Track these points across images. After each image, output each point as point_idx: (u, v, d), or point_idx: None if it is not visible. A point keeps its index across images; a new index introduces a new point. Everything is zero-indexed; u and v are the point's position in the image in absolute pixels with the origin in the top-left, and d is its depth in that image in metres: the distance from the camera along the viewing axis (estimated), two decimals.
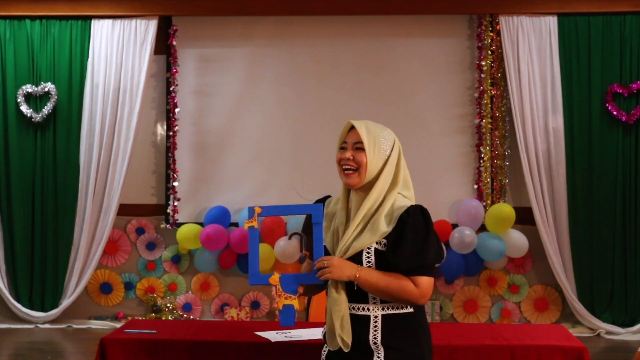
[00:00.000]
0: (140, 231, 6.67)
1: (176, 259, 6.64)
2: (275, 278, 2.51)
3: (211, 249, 6.34)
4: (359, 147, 2.51)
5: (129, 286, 6.65)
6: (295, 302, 2.49)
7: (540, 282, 6.48)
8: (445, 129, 6.48)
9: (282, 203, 6.47)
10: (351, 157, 2.52)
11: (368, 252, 2.48)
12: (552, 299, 6.46)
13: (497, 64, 6.40)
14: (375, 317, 2.48)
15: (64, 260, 6.42)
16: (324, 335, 2.58)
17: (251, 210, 2.56)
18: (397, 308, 2.49)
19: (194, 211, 6.59)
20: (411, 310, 2.50)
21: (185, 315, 6.53)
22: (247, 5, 6.40)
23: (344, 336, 2.46)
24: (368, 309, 2.49)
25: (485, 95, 6.40)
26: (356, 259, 2.48)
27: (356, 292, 2.49)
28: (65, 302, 6.40)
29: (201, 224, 6.43)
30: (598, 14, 6.25)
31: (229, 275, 6.61)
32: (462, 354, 3.09)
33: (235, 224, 6.47)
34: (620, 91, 6.20)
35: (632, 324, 6.16)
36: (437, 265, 2.50)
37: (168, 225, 6.54)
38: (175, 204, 6.53)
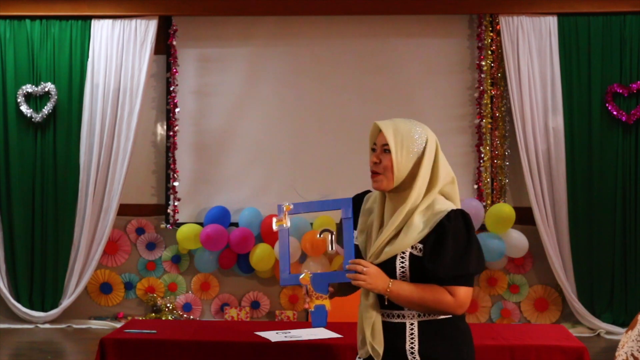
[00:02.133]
0: (140, 231, 6.67)
1: (176, 259, 6.64)
2: (306, 278, 2.41)
3: (211, 249, 6.34)
4: (387, 149, 2.39)
5: (129, 286, 6.65)
6: (327, 302, 2.42)
7: (540, 282, 6.48)
8: (445, 129, 6.47)
9: (282, 203, 6.51)
10: (378, 161, 2.40)
11: (402, 257, 2.35)
12: (552, 299, 6.46)
13: (497, 64, 6.40)
14: (412, 324, 2.37)
15: (64, 260, 6.42)
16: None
17: (281, 208, 2.47)
18: (434, 314, 2.37)
19: (194, 211, 6.59)
20: (449, 315, 2.37)
21: (185, 315, 6.53)
22: (247, 5, 6.40)
23: (375, 344, 2.36)
24: (403, 316, 2.38)
25: (485, 95, 6.40)
26: (389, 264, 2.36)
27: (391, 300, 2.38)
28: (65, 302, 6.40)
29: (201, 224, 6.43)
30: (598, 14, 6.25)
31: (229, 275, 6.60)
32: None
33: (235, 224, 6.46)
34: (620, 91, 6.19)
35: None
36: (478, 275, 2.42)
37: (168, 225, 6.54)
38: (176, 204, 6.53)
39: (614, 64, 6.23)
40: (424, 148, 2.40)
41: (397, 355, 2.37)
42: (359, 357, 2.48)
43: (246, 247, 6.33)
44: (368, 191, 2.58)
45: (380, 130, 2.42)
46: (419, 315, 2.37)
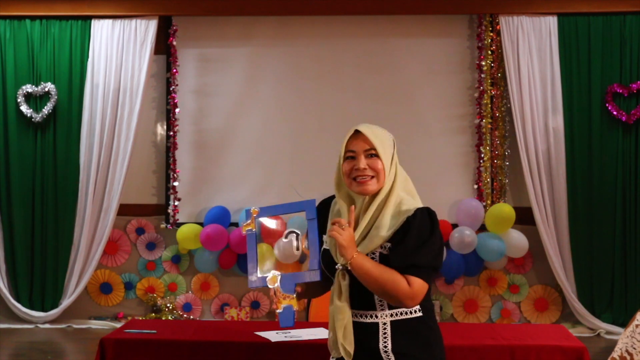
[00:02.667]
0: (140, 231, 6.67)
1: (176, 259, 6.64)
2: (273, 279, 2.46)
3: (211, 249, 6.34)
4: (373, 153, 2.42)
5: (129, 286, 6.65)
6: (293, 302, 2.43)
7: (540, 282, 6.48)
8: (445, 129, 6.48)
9: (282, 203, 6.51)
10: (366, 167, 2.41)
11: (373, 257, 2.40)
12: (552, 299, 6.46)
13: (497, 64, 6.41)
14: (384, 324, 2.41)
15: (64, 260, 6.42)
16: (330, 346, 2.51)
17: (248, 212, 2.52)
18: (406, 313, 2.42)
19: (194, 211, 6.59)
20: (420, 314, 2.43)
21: (185, 315, 6.53)
22: (247, 5, 6.41)
23: (346, 345, 2.39)
24: (376, 316, 2.42)
25: (485, 95, 6.40)
26: None
27: (362, 299, 2.42)
28: (65, 302, 6.40)
29: (201, 224, 6.43)
30: (598, 14, 6.25)
31: (229, 275, 6.61)
32: (462, 354, 3.09)
33: (235, 224, 6.47)
34: (620, 91, 6.20)
35: None
36: (434, 273, 2.41)
37: (168, 225, 6.54)
38: (176, 203, 6.53)
39: (614, 64, 6.23)
40: (393, 149, 2.49)
41: (371, 354, 2.41)
42: (332, 358, 2.51)
43: (246, 247, 6.31)
44: (333, 196, 2.60)
45: (356, 137, 2.45)
46: (391, 315, 2.42)
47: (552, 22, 6.27)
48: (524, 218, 6.32)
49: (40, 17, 6.46)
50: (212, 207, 6.47)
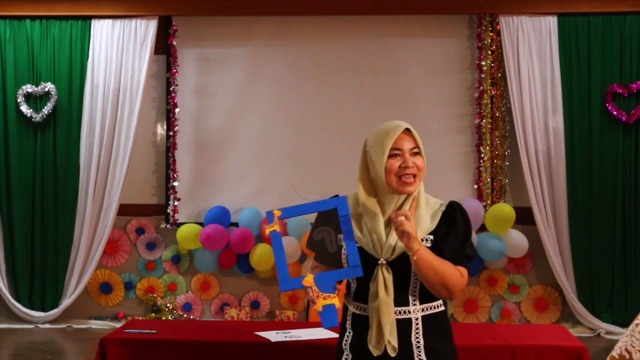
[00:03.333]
0: (140, 231, 6.67)
1: (176, 259, 6.64)
2: (309, 279, 2.33)
3: (211, 249, 6.34)
4: (416, 152, 2.43)
5: (129, 286, 6.65)
6: (335, 301, 2.31)
7: (540, 282, 6.48)
8: (445, 129, 6.48)
9: (282, 203, 6.46)
10: (413, 165, 2.41)
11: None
12: (552, 299, 6.46)
13: (497, 64, 6.40)
14: (416, 319, 2.43)
15: (64, 260, 6.42)
16: (350, 346, 2.49)
17: (270, 214, 2.41)
18: (434, 307, 2.46)
19: (194, 211, 6.59)
20: (443, 308, 2.49)
21: (185, 315, 6.53)
22: (247, 5, 6.40)
23: (392, 340, 2.39)
24: (409, 312, 2.44)
25: (485, 95, 6.40)
26: (404, 257, 2.39)
27: (397, 296, 2.42)
28: (65, 302, 6.40)
29: (201, 224, 6.43)
30: (598, 14, 6.25)
31: (229, 275, 6.61)
32: (462, 354, 3.07)
33: (235, 224, 6.46)
34: (620, 91, 6.19)
35: None
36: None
37: (168, 225, 6.54)
38: (176, 204, 6.53)
39: (614, 64, 6.23)
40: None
41: (404, 349, 2.41)
42: (348, 356, 2.49)
43: (246, 247, 6.33)
44: (336, 195, 2.54)
45: (403, 134, 2.43)
46: (422, 310, 2.44)
47: (552, 22, 6.26)
48: (524, 218, 6.32)
49: (40, 17, 6.46)
50: (212, 207, 6.47)
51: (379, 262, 2.41)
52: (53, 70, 6.45)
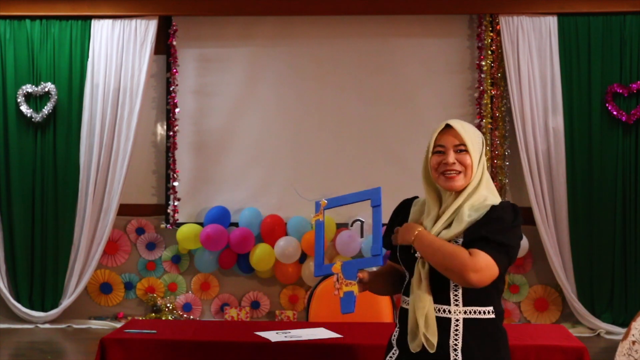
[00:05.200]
0: (140, 231, 6.67)
1: (176, 259, 6.64)
2: (337, 267, 2.45)
3: (211, 249, 6.34)
4: (462, 149, 2.42)
5: (129, 286, 6.65)
6: (354, 288, 2.41)
7: (540, 282, 6.48)
8: None
9: (282, 203, 6.53)
10: (455, 162, 2.41)
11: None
12: (552, 299, 6.46)
13: (497, 64, 6.40)
14: (457, 320, 2.37)
15: (64, 260, 6.42)
16: (396, 340, 2.49)
17: (317, 204, 2.55)
18: (480, 313, 2.38)
19: (194, 211, 6.59)
20: (493, 316, 2.40)
21: (185, 315, 6.53)
22: (247, 5, 6.40)
23: (429, 335, 2.35)
24: (449, 312, 2.38)
25: (485, 95, 6.40)
26: None
27: (437, 293, 2.39)
28: (65, 302, 6.40)
29: (201, 224, 6.43)
30: (598, 14, 6.25)
31: (229, 275, 6.61)
32: None
33: (235, 224, 6.46)
34: (620, 91, 6.19)
35: None
36: (506, 257, 2.35)
37: (168, 225, 6.54)
38: (175, 204, 6.53)
39: (614, 64, 6.23)
40: (482, 147, 2.48)
41: (440, 350, 2.36)
42: (394, 354, 2.48)
43: (246, 247, 6.33)
44: (416, 197, 2.63)
45: (446, 131, 2.45)
46: (464, 312, 2.38)
47: (552, 22, 6.26)
48: (524, 218, 6.20)
49: (40, 17, 6.46)
50: (212, 207, 6.47)
51: (416, 254, 2.42)
52: (53, 70, 6.45)
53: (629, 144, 6.22)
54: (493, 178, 6.41)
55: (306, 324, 3.59)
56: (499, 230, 2.33)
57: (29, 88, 6.41)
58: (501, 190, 6.41)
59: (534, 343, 3.12)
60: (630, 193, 6.21)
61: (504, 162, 6.42)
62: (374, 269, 2.57)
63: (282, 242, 6.26)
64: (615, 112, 6.18)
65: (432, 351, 2.35)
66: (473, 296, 2.37)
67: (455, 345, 2.36)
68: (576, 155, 6.23)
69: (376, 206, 2.44)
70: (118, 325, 6.17)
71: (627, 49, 6.22)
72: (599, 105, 6.22)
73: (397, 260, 2.53)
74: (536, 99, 6.24)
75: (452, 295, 2.39)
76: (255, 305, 6.54)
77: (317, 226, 2.55)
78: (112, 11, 6.43)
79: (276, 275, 6.45)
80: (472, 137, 2.44)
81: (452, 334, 2.36)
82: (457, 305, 2.38)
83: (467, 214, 2.39)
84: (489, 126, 6.40)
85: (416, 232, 2.38)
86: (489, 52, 6.40)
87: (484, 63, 6.40)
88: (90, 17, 6.43)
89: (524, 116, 6.23)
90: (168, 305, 6.50)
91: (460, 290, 2.38)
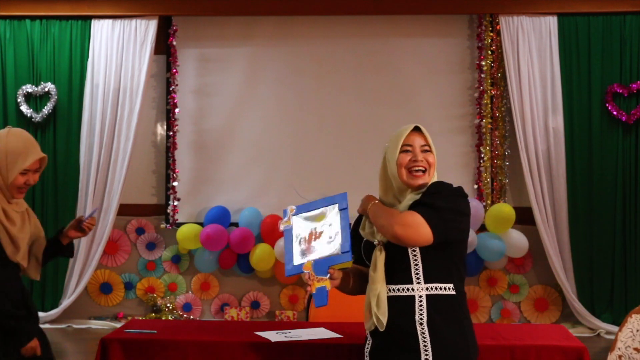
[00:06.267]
0: (140, 231, 6.67)
1: (176, 259, 6.64)
2: (308, 265, 2.65)
3: (211, 249, 6.34)
4: (427, 149, 2.69)
5: (129, 286, 6.65)
6: (326, 283, 2.60)
7: (540, 282, 6.48)
8: (445, 129, 6.47)
9: (282, 203, 6.48)
10: (423, 159, 2.66)
11: None
12: (552, 299, 6.46)
13: (497, 64, 6.40)
14: (420, 297, 2.57)
15: (64, 260, 6.42)
16: (370, 332, 2.67)
17: (285, 211, 2.78)
18: (440, 289, 2.58)
19: (194, 211, 6.59)
20: (453, 292, 2.59)
21: (185, 315, 6.53)
22: (247, 5, 6.41)
23: (380, 315, 2.55)
24: (412, 289, 2.58)
25: (485, 95, 6.40)
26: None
27: (399, 274, 2.59)
28: (65, 302, 6.40)
29: (201, 224, 6.43)
30: (598, 14, 6.25)
31: (229, 275, 6.61)
32: None
33: (235, 224, 6.46)
34: (620, 91, 6.20)
35: None
36: (440, 220, 2.53)
37: (168, 225, 6.54)
38: (175, 204, 6.53)
39: (614, 64, 6.23)
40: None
41: (406, 325, 2.56)
42: (368, 343, 2.67)
43: (246, 247, 6.33)
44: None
45: (413, 132, 2.69)
46: (426, 289, 2.58)
47: (552, 22, 6.27)
48: (524, 218, 6.32)
49: (40, 17, 6.46)
50: (212, 207, 6.47)
51: (374, 242, 2.64)
52: (53, 70, 6.45)
53: (629, 144, 6.22)
54: (493, 178, 6.42)
55: (306, 324, 3.59)
56: (434, 196, 2.58)
57: (29, 88, 6.41)
58: (501, 190, 6.41)
59: (534, 343, 3.12)
60: (630, 193, 6.21)
61: (504, 162, 6.42)
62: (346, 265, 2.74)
63: (282, 242, 6.26)
64: (615, 112, 6.18)
65: (381, 329, 2.57)
66: (433, 273, 2.58)
67: (421, 319, 2.55)
68: (576, 155, 6.23)
69: (343, 209, 2.66)
70: (118, 325, 6.17)
71: (627, 49, 6.22)
72: (599, 105, 6.22)
73: (362, 260, 2.75)
74: (536, 99, 6.24)
75: (413, 274, 2.59)
76: (255, 305, 6.55)
77: (286, 232, 2.76)
78: (112, 11, 6.43)
79: (276, 275, 6.45)
80: (431, 139, 2.72)
81: (417, 310, 2.57)
82: (419, 282, 2.59)
83: (407, 201, 2.65)
84: (489, 126, 6.40)
85: (372, 203, 2.66)
86: (489, 52, 6.40)
87: (484, 63, 6.40)
88: (90, 17, 6.44)
89: (524, 116, 6.23)
90: (168, 305, 6.50)
91: (420, 269, 2.58)
